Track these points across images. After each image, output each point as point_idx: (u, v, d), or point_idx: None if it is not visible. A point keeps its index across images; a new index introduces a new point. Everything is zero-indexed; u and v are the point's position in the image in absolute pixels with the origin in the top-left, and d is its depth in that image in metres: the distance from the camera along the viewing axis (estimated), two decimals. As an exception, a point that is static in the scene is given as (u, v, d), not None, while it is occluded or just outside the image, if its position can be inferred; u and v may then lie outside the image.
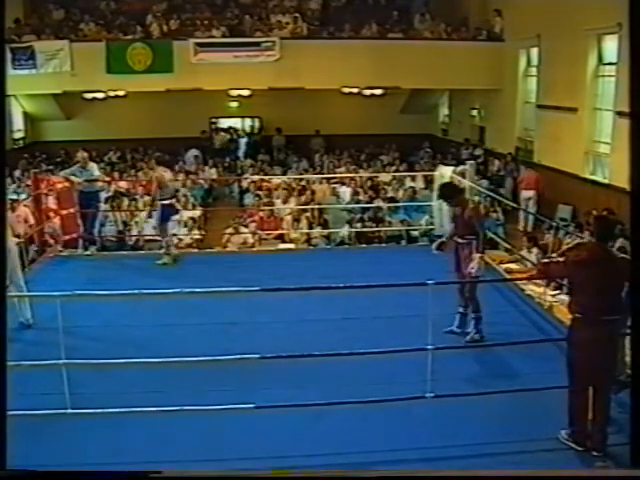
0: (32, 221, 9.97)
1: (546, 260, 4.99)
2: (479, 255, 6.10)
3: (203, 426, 4.66)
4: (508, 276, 8.25)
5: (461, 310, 6.39)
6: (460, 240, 6.35)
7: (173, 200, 9.20)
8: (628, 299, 4.54)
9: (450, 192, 6.61)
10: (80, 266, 8.77)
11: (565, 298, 5.13)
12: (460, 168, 9.73)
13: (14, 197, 12.03)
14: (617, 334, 4.67)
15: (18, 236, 8.30)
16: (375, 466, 4.35)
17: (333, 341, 6.18)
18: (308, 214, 12.34)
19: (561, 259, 4.64)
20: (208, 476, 3.82)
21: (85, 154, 9.58)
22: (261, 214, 12.08)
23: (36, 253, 9.24)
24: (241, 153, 20.36)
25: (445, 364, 4.94)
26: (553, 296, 7.25)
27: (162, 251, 9.10)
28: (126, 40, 16.47)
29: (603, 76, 12.40)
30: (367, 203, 12.80)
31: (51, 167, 16.98)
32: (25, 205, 10.73)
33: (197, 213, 13.01)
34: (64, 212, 9.27)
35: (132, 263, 9.14)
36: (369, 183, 14.43)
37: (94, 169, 9.59)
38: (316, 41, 16.85)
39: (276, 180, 14.35)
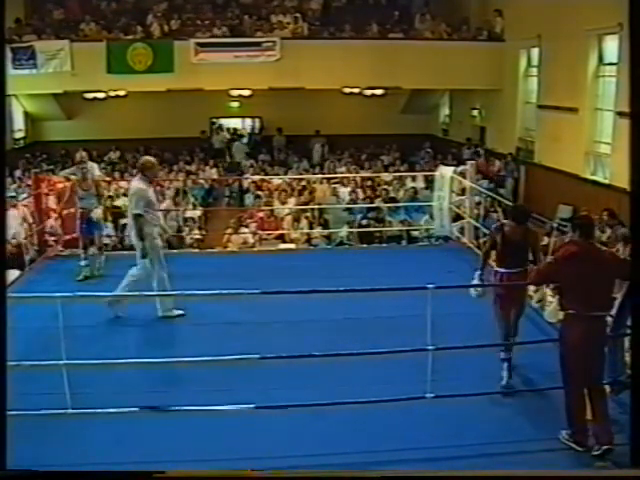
0: (31, 220, 10.01)
1: (535, 267, 4.97)
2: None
3: (203, 426, 4.66)
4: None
5: (504, 356, 5.35)
6: (509, 270, 5.33)
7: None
8: (628, 299, 4.57)
9: (525, 215, 5.51)
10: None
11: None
12: (461, 168, 9.74)
13: (13, 195, 12.06)
14: (614, 331, 4.70)
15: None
16: (375, 466, 4.35)
17: (333, 341, 6.18)
18: (308, 214, 12.35)
19: (550, 259, 4.66)
20: (212, 476, 3.82)
21: (84, 154, 9.56)
22: (261, 214, 12.09)
23: (36, 253, 9.24)
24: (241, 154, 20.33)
25: (445, 364, 4.94)
26: (553, 296, 7.25)
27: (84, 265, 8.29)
28: (127, 40, 16.49)
29: (604, 76, 12.40)
30: (367, 203, 12.80)
31: (52, 167, 16.99)
32: (24, 205, 10.75)
33: (197, 213, 13.02)
34: (64, 212, 9.25)
35: (132, 263, 9.12)
36: (369, 183, 14.44)
37: (94, 169, 9.57)
38: (317, 41, 16.86)
39: (277, 180, 14.36)
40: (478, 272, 5.56)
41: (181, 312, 6.77)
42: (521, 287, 5.41)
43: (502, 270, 5.36)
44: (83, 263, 8.24)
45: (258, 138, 21.28)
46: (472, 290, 5.45)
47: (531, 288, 6.93)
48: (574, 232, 4.59)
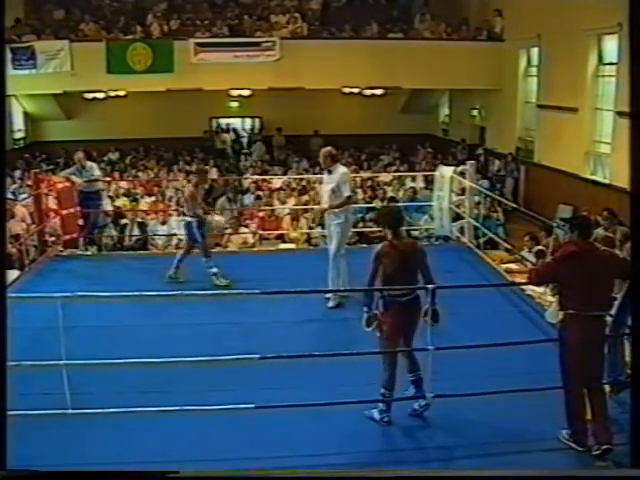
0: (29, 221, 10.03)
1: (534, 267, 4.93)
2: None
3: (203, 426, 4.66)
4: (508, 276, 8.26)
5: (412, 377, 4.99)
6: (402, 293, 4.78)
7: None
8: (628, 298, 4.57)
9: (390, 218, 4.99)
10: (80, 266, 8.77)
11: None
12: (460, 168, 9.74)
13: (11, 197, 12.05)
14: (613, 330, 4.71)
15: None
16: (375, 466, 4.35)
17: (333, 341, 6.19)
18: (308, 214, 12.33)
19: (549, 259, 4.64)
20: (226, 476, 3.83)
21: (81, 154, 9.55)
22: (261, 214, 12.08)
23: (36, 253, 9.24)
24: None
25: (445, 364, 4.94)
26: (553, 296, 7.23)
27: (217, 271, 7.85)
28: (126, 40, 16.48)
29: (603, 76, 12.42)
30: (367, 203, 12.79)
31: (51, 167, 16.99)
32: (23, 205, 10.76)
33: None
34: (64, 212, 9.27)
35: (132, 263, 9.13)
36: (369, 183, 14.42)
37: (94, 169, 9.57)
38: (316, 41, 16.87)
39: (276, 180, 14.35)
40: (365, 309, 4.92)
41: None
42: (414, 315, 4.78)
43: (391, 291, 4.78)
44: (173, 272, 7.87)
45: (258, 138, 21.28)
46: (364, 324, 4.87)
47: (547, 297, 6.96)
48: (572, 232, 4.60)
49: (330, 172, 7.12)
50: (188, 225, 7.90)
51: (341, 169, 7.20)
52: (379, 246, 4.92)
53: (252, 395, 4.84)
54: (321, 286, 7.07)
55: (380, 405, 4.85)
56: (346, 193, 7.06)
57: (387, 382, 4.81)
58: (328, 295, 7.20)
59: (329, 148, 7.28)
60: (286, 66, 16.06)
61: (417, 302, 4.84)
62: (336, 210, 7.09)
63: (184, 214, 8.01)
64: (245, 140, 21.40)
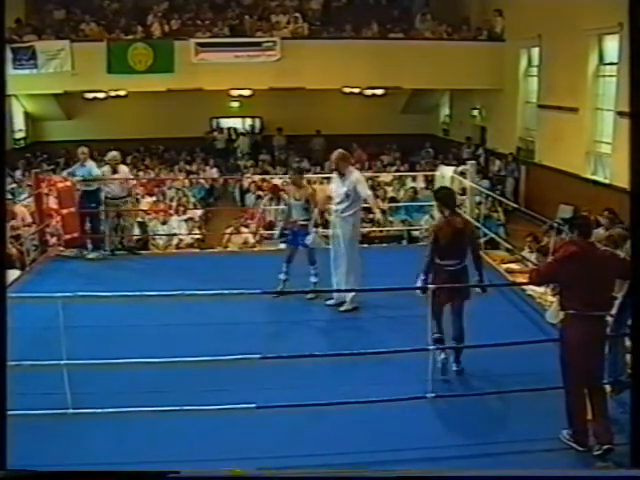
0: (29, 220, 10.00)
1: (534, 267, 4.96)
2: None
3: (203, 426, 4.66)
4: (509, 276, 8.26)
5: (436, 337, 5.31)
6: (452, 263, 5.41)
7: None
8: (628, 298, 4.57)
9: (450, 198, 5.62)
10: (81, 266, 8.77)
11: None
12: (461, 168, 9.74)
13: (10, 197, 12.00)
14: (614, 330, 4.71)
15: None
16: (375, 466, 4.35)
17: (333, 341, 6.19)
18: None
19: (550, 259, 4.65)
20: (226, 476, 3.83)
21: (85, 149, 9.49)
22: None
23: (37, 253, 9.22)
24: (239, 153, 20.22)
25: (445, 364, 4.95)
26: (553, 296, 7.22)
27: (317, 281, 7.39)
28: (127, 40, 16.50)
29: (604, 76, 12.42)
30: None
31: (52, 167, 16.98)
32: (24, 205, 10.73)
33: (198, 213, 13.02)
34: (65, 212, 9.25)
35: (133, 264, 9.13)
36: (370, 183, 14.42)
37: (93, 167, 9.47)
38: (317, 41, 16.88)
39: (277, 180, 14.34)
40: (422, 276, 5.41)
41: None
42: (460, 282, 5.40)
43: (439, 262, 5.38)
44: (283, 277, 7.36)
45: (258, 138, 21.29)
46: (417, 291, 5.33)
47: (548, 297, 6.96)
48: (572, 232, 4.59)
49: (342, 175, 6.92)
50: (295, 231, 7.49)
51: (355, 172, 7.02)
52: (436, 221, 5.68)
53: (253, 395, 4.84)
54: (323, 285, 7.06)
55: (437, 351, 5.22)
56: (367, 191, 6.93)
57: (435, 327, 5.27)
58: (331, 297, 7.16)
59: (341, 150, 7.03)
60: (287, 66, 16.07)
61: (464, 271, 5.44)
62: (344, 215, 6.93)
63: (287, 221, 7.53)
64: (247, 139, 21.38)
